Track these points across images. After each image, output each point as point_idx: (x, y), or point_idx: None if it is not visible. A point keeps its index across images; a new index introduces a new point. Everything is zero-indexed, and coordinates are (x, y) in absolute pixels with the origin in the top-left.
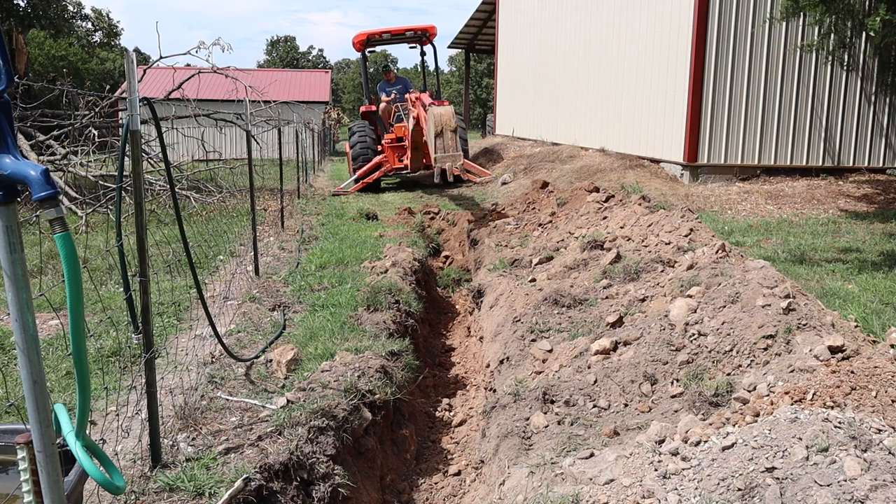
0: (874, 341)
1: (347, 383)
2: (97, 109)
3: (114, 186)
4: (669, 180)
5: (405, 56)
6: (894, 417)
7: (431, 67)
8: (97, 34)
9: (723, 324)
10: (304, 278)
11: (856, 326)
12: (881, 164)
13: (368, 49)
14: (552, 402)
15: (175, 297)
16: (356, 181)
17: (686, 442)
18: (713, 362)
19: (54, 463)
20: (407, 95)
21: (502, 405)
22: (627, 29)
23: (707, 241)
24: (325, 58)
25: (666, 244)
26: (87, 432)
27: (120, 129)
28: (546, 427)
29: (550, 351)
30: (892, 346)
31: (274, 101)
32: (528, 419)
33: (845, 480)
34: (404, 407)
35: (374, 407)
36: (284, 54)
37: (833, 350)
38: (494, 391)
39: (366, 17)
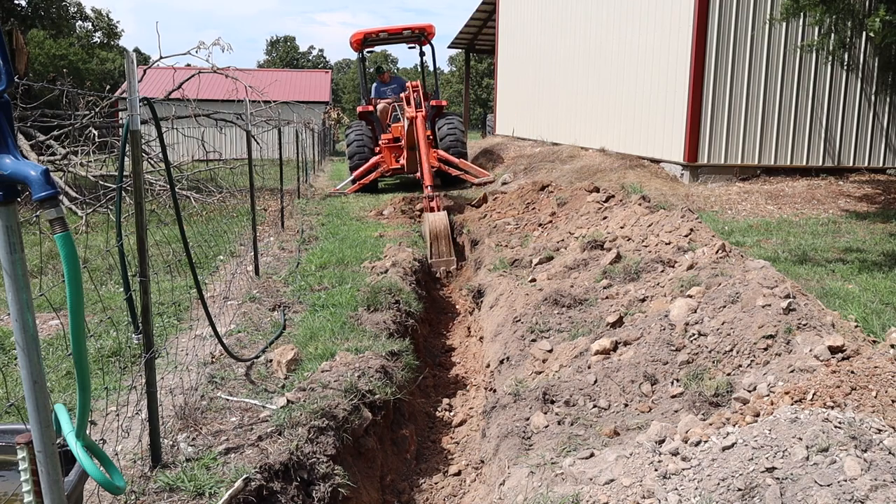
0: (874, 341)
1: (347, 383)
2: (97, 109)
3: (114, 186)
4: (669, 180)
5: (405, 56)
6: (894, 417)
7: (431, 67)
8: (97, 34)
9: (723, 324)
10: (304, 278)
11: (856, 326)
12: (881, 165)
13: (367, 49)
14: (552, 402)
15: (175, 297)
16: (353, 182)
17: (686, 442)
18: (713, 362)
19: (54, 463)
20: (402, 95)
21: (502, 405)
22: (627, 29)
23: (707, 241)
24: (324, 58)
25: (666, 244)
26: (87, 432)
27: (120, 130)
28: (546, 427)
29: (550, 351)
30: (892, 346)
31: (274, 102)
32: (528, 419)
33: (845, 480)
34: (404, 407)
35: (375, 407)
36: (284, 54)
37: (833, 350)
38: (494, 391)
39: (373, 17)
